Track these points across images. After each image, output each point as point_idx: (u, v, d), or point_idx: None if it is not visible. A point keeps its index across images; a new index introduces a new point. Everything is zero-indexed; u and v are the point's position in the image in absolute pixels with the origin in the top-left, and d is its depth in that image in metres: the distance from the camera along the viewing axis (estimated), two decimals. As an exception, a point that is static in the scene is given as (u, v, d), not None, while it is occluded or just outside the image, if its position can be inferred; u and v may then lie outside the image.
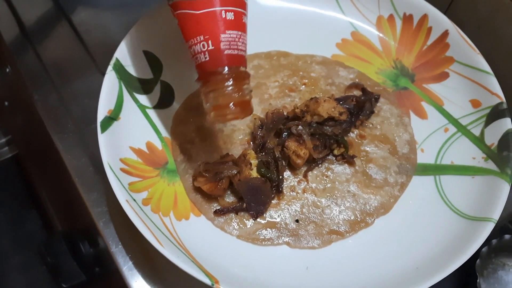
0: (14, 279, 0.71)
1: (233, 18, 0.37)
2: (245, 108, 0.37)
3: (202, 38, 0.36)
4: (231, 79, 0.36)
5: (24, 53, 0.57)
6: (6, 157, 0.78)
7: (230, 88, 0.36)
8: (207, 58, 0.36)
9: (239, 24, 0.37)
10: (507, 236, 0.48)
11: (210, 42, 0.36)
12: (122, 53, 0.46)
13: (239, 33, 0.37)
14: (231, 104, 0.36)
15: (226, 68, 0.36)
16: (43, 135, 0.53)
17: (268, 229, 0.43)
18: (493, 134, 0.46)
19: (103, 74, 0.52)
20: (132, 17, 0.50)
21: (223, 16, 0.36)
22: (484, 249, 0.47)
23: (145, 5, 0.61)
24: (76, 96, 0.53)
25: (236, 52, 0.37)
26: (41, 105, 0.53)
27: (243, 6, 0.38)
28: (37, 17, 0.60)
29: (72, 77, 0.55)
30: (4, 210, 0.76)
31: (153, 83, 0.48)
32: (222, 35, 0.36)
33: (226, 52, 0.36)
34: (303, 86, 0.52)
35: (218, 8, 0.36)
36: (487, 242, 0.47)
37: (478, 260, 0.46)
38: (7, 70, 0.63)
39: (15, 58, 0.56)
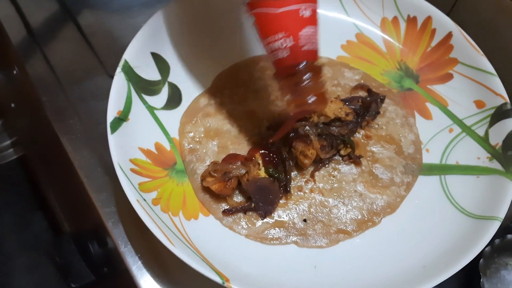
0: (20, 279, 0.71)
1: (310, 15, 0.38)
2: (322, 99, 0.39)
3: (282, 35, 0.37)
4: (309, 73, 0.38)
5: (31, 55, 0.57)
6: (12, 159, 0.78)
7: (308, 81, 0.38)
8: (287, 54, 0.37)
9: (315, 20, 0.39)
10: (509, 236, 0.48)
11: (290, 39, 0.37)
12: (131, 55, 0.47)
13: (315, 28, 0.38)
14: (310, 96, 0.38)
15: (304, 63, 0.38)
16: (50, 136, 0.53)
17: (276, 228, 0.43)
18: (498, 134, 0.47)
19: (110, 75, 0.53)
20: (138, 20, 0.50)
21: (302, 13, 0.37)
22: (487, 249, 0.47)
23: (151, 7, 0.61)
24: (84, 98, 0.54)
25: (312, 47, 0.38)
26: (49, 106, 0.53)
27: (316, 0, 0.39)
28: (44, 19, 0.61)
29: (79, 79, 0.55)
30: (10, 212, 0.76)
31: (161, 85, 0.49)
32: (301, 32, 0.37)
33: (304, 48, 0.37)
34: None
35: (297, 6, 0.37)
36: (490, 242, 0.47)
37: (481, 259, 0.47)
38: (15, 72, 0.63)
39: (22, 60, 0.56)
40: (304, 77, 0.38)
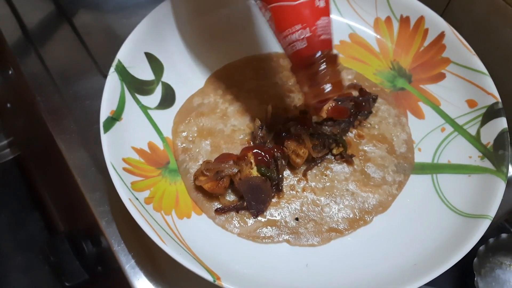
0: (16, 279, 0.72)
1: (324, 5, 0.39)
2: (339, 87, 0.39)
3: (299, 26, 0.38)
4: (326, 62, 0.39)
5: (26, 55, 0.57)
6: (8, 159, 0.78)
7: (326, 70, 0.39)
8: (305, 45, 0.38)
9: (328, 10, 0.40)
10: (504, 235, 0.49)
11: (307, 29, 0.38)
12: (124, 55, 0.47)
13: (328, 18, 0.39)
14: (328, 84, 0.39)
15: (320, 52, 0.39)
16: (45, 136, 0.53)
17: (269, 227, 0.43)
18: (489, 133, 0.47)
19: (105, 76, 0.53)
20: (133, 20, 0.51)
21: (317, 4, 0.38)
22: (481, 248, 0.48)
23: (145, 8, 0.61)
24: (78, 98, 0.54)
25: (328, 37, 0.39)
26: (44, 106, 0.53)
27: None
28: (39, 19, 0.61)
29: (74, 79, 0.55)
30: (5, 212, 0.76)
31: (154, 84, 0.49)
32: (318, 22, 0.38)
33: (321, 37, 0.39)
34: (302, 87, 0.53)
35: None
36: (485, 241, 0.48)
37: (475, 258, 0.47)
38: (10, 72, 0.63)
39: (17, 61, 0.57)
40: (322, 66, 0.39)
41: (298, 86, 0.42)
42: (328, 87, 0.39)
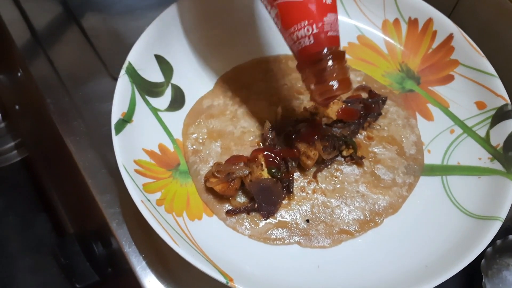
0: (24, 281, 0.72)
1: (331, 2, 0.39)
2: (346, 84, 0.39)
3: (306, 23, 0.38)
4: (333, 58, 0.38)
5: (35, 58, 0.57)
6: (16, 160, 0.78)
7: (333, 67, 0.38)
8: (312, 42, 0.38)
9: (335, 7, 0.39)
10: (511, 237, 0.49)
11: (314, 26, 0.38)
12: (134, 57, 0.47)
13: (335, 15, 0.39)
14: (335, 81, 0.38)
15: (327, 49, 0.38)
16: (54, 138, 0.53)
17: (279, 228, 0.44)
18: (499, 135, 0.47)
19: (114, 78, 0.53)
20: (141, 22, 0.51)
21: (324, 0, 0.38)
22: (488, 250, 0.48)
23: (153, 10, 0.62)
24: (88, 100, 0.54)
25: (335, 33, 0.39)
26: (53, 108, 0.53)
27: None
28: (48, 22, 0.61)
29: (83, 81, 0.56)
30: (14, 213, 0.76)
31: (164, 86, 0.49)
32: (325, 18, 0.38)
33: (329, 34, 0.38)
34: (311, 88, 0.53)
35: None
36: (492, 242, 0.48)
37: (483, 260, 0.47)
38: (19, 74, 0.64)
39: (26, 63, 0.57)
40: (329, 63, 0.38)
41: (304, 84, 0.41)
42: (335, 84, 0.38)
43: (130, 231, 0.45)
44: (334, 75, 0.38)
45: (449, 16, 0.55)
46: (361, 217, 0.45)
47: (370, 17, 0.57)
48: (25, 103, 0.71)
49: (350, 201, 0.46)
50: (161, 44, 0.50)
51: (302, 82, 0.41)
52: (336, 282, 0.41)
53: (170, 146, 0.47)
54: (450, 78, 0.53)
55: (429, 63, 0.54)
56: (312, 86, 0.40)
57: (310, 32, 0.38)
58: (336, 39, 0.39)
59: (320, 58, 0.38)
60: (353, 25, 0.57)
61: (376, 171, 0.48)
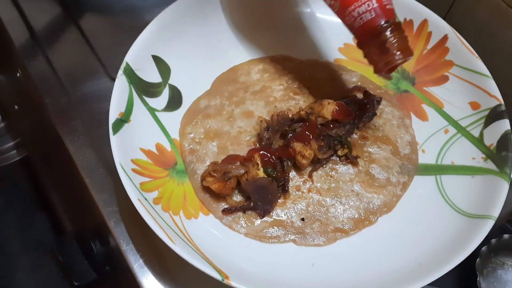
0: (23, 279, 0.72)
1: None
2: (408, 51, 0.42)
3: None
4: (392, 29, 0.41)
5: (34, 58, 0.58)
6: (15, 160, 0.79)
7: (394, 37, 0.41)
8: (373, 15, 0.41)
9: None
10: (506, 236, 0.49)
11: (374, 0, 0.41)
12: (132, 58, 0.48)
13: None
14: (397, 50, 0.41)
15: (386, 21, 0.41)
16: (53, 137, 0.54)
17: (275, 227, 0.44)
18: (492, 135, 0.48)
19: (112, 78, 0.53)
20: (139, 23, 0.51)
21: None
22: (483, 249, 0.48)
23: (151, 11, 0.62)
24: (86, 100, 0.55)
25: (392, 6, 0.42)
26: (52, 108, 0.54)
27: None
28: (46, 22, 0.62)
29: (81, 81, 0.56)
30: (13, 212, 0.77)
31: (161, 87, 0.50)
32: None
33: (387, 7, 0.41)
34: (307, 89, 0.53)
35: None
36: (487, 241, 0.48)
37: (478, 259, 0.48)
38: (18, 74, 0.64)
39: (25, 63, 0.57)
40: (390, 34, 0.41)
41: (367, 59, 0.44)
42: (398, 53, 0.41)
43: (127, 229, 0.45)
44: (396, 45, 0.41)
45: (444, 17, 0.56)
46: (356, 216, 0.45)
47: (366, 18, 0.57)
48: (24, 103, 0.71)
49: (345, 200, 0.46)
50: (159, 45, 0.50)
51: (363, 57, 0.44)
52: (331, 280, 0.41)
53: (167, 146, 0.47)
54: (444, 79, 0.53)
55: (424, 63, 0.54)
56: (376, 58, 0.42)
57: (371, 7, 0.41)
58: (392, 12, 0.42)
59: (381, 30, 0.41)
60: (349, 26, 0.57)
61: (370, 171, 0.48)
